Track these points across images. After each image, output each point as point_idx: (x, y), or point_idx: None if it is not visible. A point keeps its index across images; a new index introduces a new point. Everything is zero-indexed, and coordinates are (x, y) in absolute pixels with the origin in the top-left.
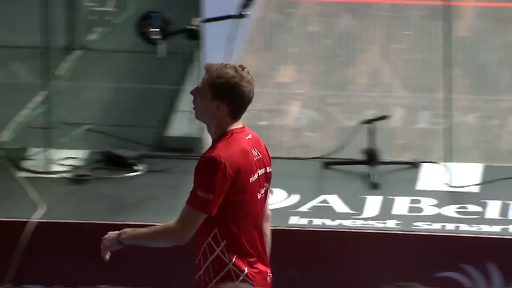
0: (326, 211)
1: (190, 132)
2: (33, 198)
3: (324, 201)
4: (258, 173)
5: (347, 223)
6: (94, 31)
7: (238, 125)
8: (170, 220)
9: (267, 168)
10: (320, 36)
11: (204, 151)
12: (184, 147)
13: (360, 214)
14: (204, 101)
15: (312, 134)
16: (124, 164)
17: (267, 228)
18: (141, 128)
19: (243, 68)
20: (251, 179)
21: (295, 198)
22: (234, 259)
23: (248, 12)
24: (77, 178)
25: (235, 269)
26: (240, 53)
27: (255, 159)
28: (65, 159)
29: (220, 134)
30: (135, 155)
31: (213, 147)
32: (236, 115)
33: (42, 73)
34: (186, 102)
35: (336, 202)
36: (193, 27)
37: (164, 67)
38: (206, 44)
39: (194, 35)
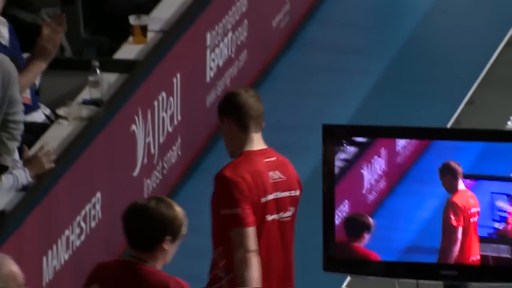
0: None
1: None
2: None
3: None
4: (276, 195)
5: None
6: None
7: (257, 146)
8: None
9: (292, 191)
10: None
11: None
12: None
13: None
14: (221, 129)
15: None
16: None
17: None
18: None
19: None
20: (263, 199)
21: None
22: (229, 278)
23: None
24: None
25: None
26: None
27: (271, 181)
28: None
29: (237, 156)
30: None
31: (223, 168)
32: (243, 126)
33: None
34: None
35: None
36: None
37: None
38: None
39: None
